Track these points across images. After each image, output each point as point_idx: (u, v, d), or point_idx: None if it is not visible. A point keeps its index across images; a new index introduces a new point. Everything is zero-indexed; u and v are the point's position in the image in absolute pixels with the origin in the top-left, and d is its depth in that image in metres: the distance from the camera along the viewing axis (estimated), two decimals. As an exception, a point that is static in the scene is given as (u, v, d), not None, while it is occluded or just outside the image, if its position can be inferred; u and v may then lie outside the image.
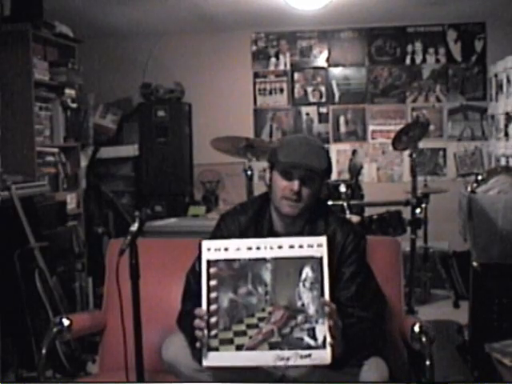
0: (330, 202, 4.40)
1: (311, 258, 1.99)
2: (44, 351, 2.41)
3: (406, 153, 4.47)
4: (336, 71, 6.32)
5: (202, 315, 1.99)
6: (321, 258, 1.99)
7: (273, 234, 2.25)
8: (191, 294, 2.21)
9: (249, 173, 3.86)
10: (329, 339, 1.94)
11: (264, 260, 2.01)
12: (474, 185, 3.59)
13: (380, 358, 2.15)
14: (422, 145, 5.52)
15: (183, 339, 2.17)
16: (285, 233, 2.25)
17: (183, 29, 6.19)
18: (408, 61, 6.22)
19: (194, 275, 2.26)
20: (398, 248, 2.63)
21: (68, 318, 2.49)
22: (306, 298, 1.99)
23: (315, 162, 2.17)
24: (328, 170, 2.24)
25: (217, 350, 1.97)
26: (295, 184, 2.15)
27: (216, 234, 2.31)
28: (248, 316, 1.98)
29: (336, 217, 2.32)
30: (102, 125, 5.97)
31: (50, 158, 4.79)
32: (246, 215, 2.29)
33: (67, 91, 4.90)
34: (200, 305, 2.11)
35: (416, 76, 6.20)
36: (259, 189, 4.27)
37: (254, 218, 2.28)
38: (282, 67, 6.39)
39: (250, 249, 2.02)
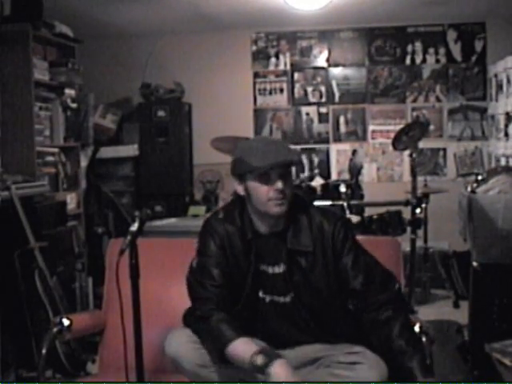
0: (329, 202, 4.40)
1: None
2: (44, 351, 2.42)
3: (406, 153, 4.47)
4: (336, 71, 6.32)
5: None
6: None
7: (258, 236, 2.24)
8: (198, 297, 2.21)
9: (249, 173, 3.85)
10: None
11: None
12: (474, 185, 3.60)
13: (379, 357, 2.15)
14: (421, 145, 5.51)
15: (186, 334, 2.17)
16: (269, 233, 2.24)
17: (183, 29, 6.19)
18: (408, 61, 6.21)
19: (193, 277, 2.26)
20: (397, 248, 2.64)
21: (68, 318, 2.50)
22: None
23: (290, 156, 2.17)
24: (300, 159, 2.25)
25: None
26: (279, 184, 2.13)
27: (206, 239, 2.26)
28: None
29: (317, 208, 2.32)
30: (102, 125, 5.96)
31: (49, 158, 4.78)
32: (229, 222, 2.26)
33: (67, 91, 4.90)
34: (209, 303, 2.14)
35: (416, 76, 6.20)
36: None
37: (237, 224, 2.25)
38: (282, 67, 6.39)
39: None
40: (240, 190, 2.22)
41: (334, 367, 2.11)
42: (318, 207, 2.36)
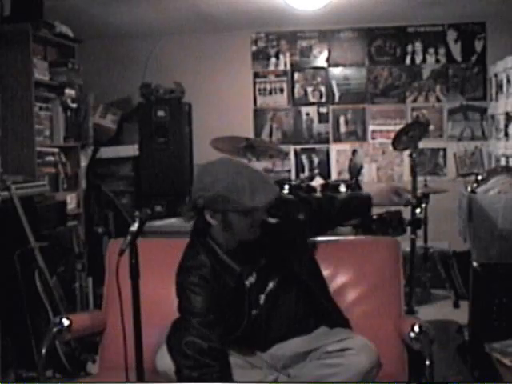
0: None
1: None
2: (44, 351, 2.42)
3: (406, 153, 4.46)
4: (336, 71, 6.32)
5: None
6: None
7: (234, 257, 2.22)
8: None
9: (249, 173, 3.85)
10: None
11: None
12: (474, 185, 3.59)
13: (368, 341, 2.19)
14: (422, 145, 5.49)
15: None
16: (240, 244, 2.22)
17: (183, 29, 6.19)
18: (408, 61, 6.21)
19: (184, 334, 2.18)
20: (397, 248, 2.64)
21: (68, 318, 2.50)
22: None
23: (276, 189, 2.16)
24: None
25: None
26: (264, 216, 2.14)
27: (189, 297, 2.19)
28: None
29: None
30: (102, 125, 5.96)
31: (50, 158, 4.79)
32: (205, 267, 2.21)
33: (67, 91, 4.90)
34: None
35: (416, 76, 6.20)
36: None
37: (214, 265, 2.21)
38: (282, 67, 6.39)
39: None
40: (213, 221, 2.15)
41: (325, 357, 2.17)
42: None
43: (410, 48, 6.20)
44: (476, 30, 6.09)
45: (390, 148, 4.57)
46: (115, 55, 6.40)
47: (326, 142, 6.33)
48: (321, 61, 6.33)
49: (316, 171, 6.28)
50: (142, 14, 5.56)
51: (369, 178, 6.24)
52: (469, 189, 3.59)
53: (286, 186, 4.56)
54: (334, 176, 6.26)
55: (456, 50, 6.14)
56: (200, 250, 2.23)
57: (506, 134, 5.09)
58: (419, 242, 4.67)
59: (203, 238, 2.23)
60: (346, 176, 6.22)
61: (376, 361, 2.16)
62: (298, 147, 6.36)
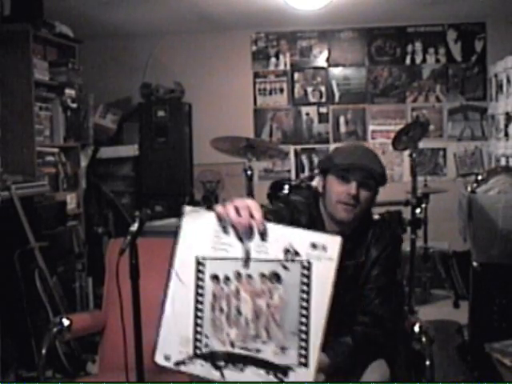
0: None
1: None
2: (44, 351, 2.42)
3: (406, 153, 4.46)
4: (336, 71, 6.32)
5: None
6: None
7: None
8: None
9: (249, 173, 3.86)
10: None
11: None
12: (474, 185, 3.60)
13: (383, 360, 2.15)
14: (422, 145, 5.51)
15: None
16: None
17: (183, 29, 6.19)
18: (408, 61, 6.21)
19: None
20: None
21: (68, 318, 2.50)
22: None
23: (373, 165, 2.14)
24: (384, 176, 2.18)
25: None
26: (353, 187, 2.08)
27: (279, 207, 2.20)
28: None
29: (380, 225, 2.31)
30: (102, 125, 5.96)
31: (50, 158, 4.79)
32: (304, 215, 2.20)
33: (67, 91, 4.90)
34: None
35: (416, 76, 6.20)
36: (259, 189, 4.28)
37: (310, 219, 2.19)
38: (282, 67, 6.39)
39: None
40: (320, 184, 2.22)
41: None
42: (382, 224, 2.34)
43: (410, 48, 6.20)
44: (476, 30, 6.09)
45: (390, 148, 4.57)
46: (115, 55, 6.40)
47: (326, 141, 6.33)
48: (321, 61, 6.33)
49: (316, 171, 6.28)
50: (142, 14, 5.56)
51: (369, 178, 6.24)
52: (469, 189, 3.59)
53: (286, 186, 4.56)
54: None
55: (456, 49, 6.14)
56: (309, 197, 2.26)
57: (506, 134, 5.09)
58: (419, 242, 4.67)
59: (317, 197, 2.24)
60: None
61: (387, 379, 2.11)
62: (298, 147, 6.36)
